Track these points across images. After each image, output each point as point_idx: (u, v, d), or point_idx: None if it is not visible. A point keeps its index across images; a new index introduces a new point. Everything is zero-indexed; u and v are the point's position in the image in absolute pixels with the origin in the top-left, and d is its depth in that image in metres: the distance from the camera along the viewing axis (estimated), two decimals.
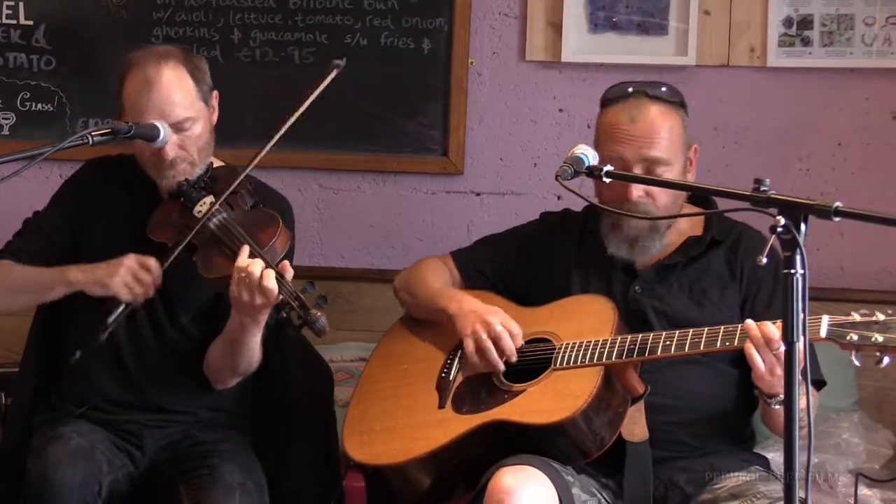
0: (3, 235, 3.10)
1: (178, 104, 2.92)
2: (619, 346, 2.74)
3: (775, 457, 2.98)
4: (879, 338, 2.46)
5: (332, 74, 2.92)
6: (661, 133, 2.86)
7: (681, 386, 2.82)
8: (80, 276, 2.89)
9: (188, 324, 3.01)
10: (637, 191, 2.84)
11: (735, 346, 2.65)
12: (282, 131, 2.91)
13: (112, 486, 2.81)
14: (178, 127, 2.92)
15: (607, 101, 2.95)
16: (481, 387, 2.85)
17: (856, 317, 2.51)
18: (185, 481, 2.87)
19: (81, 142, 2.70)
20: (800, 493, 2.09)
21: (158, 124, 2.87)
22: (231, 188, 2.89)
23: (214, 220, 2.88)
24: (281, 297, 2.72)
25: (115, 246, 2.93)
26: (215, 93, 3.04)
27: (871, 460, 3.35)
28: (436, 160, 3.95)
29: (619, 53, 3.85)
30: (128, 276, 2.82)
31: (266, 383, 3.10)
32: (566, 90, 3.91)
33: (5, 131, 4.05)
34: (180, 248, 2.85)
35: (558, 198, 3.79)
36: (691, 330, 2.71)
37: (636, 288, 2.91)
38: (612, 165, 2.51)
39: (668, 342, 2.71)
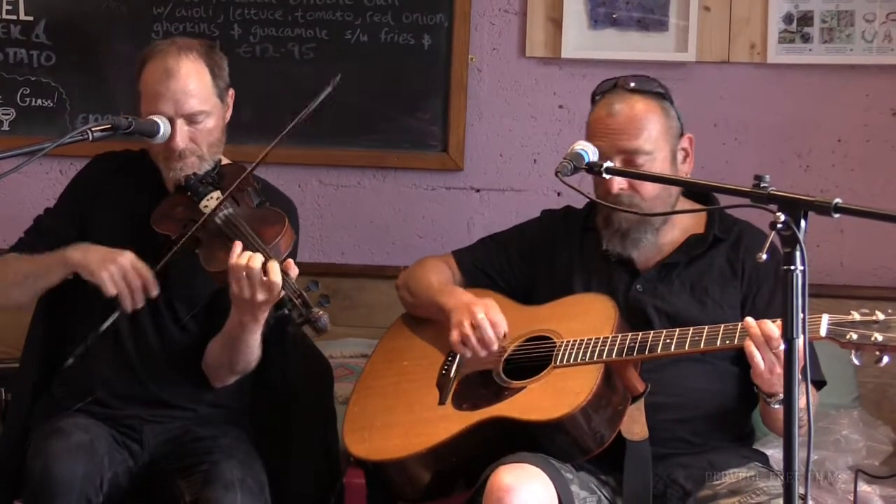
0: (4, 230, 3.10)
1: (193, 96, 2.92)
2: (619, 344, 2.75)
3: (775, 453, 2.98)
4: (879, 337, 2.47)
5: (328, 90, 2.90)
6: (637, 124, 2.85)
7: (681, 383, 2.82)
8: (78, 257, 2.90)
9: (190, 320, 3.01)
10: (618, 184, 2.84)
11: (735, 345, 2.65)
12: (274, 144, 2.89)
13: (112, 481, 2.82)
14: (190, 119, 2.92)
15: (593, 98, 2.96)
16: (482, 384, 2.86)
17: (856, 316, 2.51)
18: (184, 477, 2.88)
19: (81, 138, 2.70)
20: (799, 489, 2.10)
21: (158, 120, 2.88)
22: (237, 182, 2.90)
23: (220, 214, 2.88)
24: (283, 293, 2.72)
25: (118, 237, 2.94)
26: (231, 91, 3.04)
27: (870, 457, 3.36)
28: (436, 156, 3.94)
29: (620, 50, 3.85)
30: (117, 273, 2.83)
31: (266, 380, 3.10)
32: (566, 86, 3.91)
33: (5, 127, 4.04)
34: (184, 239, 2.85)
35: (558, 194, 3.80)
36: (691, 328, 2.71)
37: (638, 287, 2.91)
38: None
39: (668, 340, 2.71)
